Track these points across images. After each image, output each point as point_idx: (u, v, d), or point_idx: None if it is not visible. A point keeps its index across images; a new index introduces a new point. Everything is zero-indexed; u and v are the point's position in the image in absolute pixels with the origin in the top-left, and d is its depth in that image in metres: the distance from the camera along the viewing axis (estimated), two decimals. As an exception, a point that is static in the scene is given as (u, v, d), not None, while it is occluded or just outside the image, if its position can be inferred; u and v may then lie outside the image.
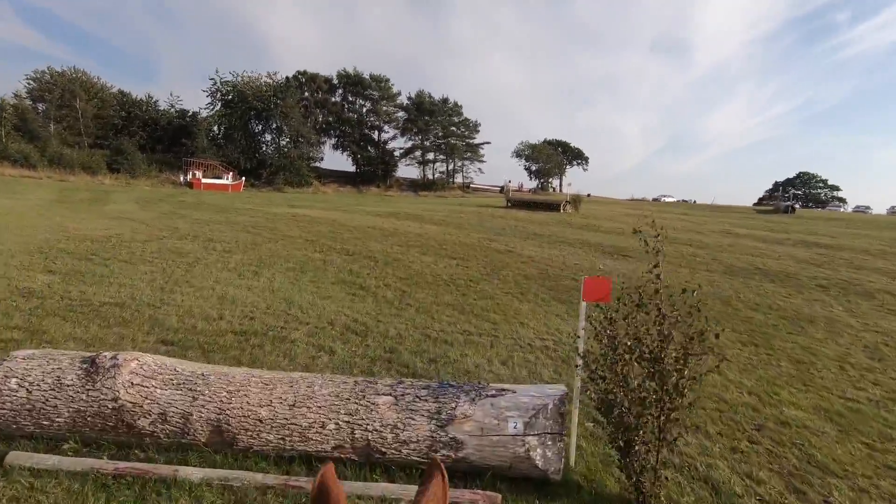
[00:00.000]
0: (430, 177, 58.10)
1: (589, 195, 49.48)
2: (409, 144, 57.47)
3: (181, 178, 37.53)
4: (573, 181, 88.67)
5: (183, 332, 5.22)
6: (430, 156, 58.48)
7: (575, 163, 78.56)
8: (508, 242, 14.94)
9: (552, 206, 29.30)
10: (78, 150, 37.36)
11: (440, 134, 57.23)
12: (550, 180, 71.19)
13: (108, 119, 43.32)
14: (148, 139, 44.30)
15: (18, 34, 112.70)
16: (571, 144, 77.45)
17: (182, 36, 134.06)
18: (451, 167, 60.00)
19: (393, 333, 5.86)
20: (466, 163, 60.48)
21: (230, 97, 46.40)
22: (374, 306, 7.09)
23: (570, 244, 15.59)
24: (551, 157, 68.61)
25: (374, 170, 53.30)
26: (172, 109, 47.23)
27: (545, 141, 73.07)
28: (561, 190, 74.16)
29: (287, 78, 50.73)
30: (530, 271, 10.74)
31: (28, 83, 43.86)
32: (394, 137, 57.44)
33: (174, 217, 16.17)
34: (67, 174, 32.46)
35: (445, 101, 56.74)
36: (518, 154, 68.84)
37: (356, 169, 55.27)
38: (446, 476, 0.75)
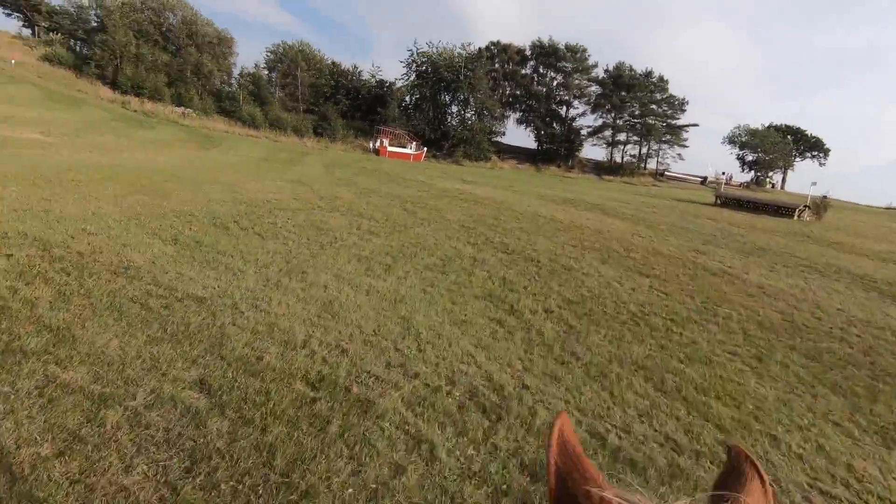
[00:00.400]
0: (619, 160, 52.31)
1: (825, 197, 38.65)
2: (599, 122, 52.35)
3: (370, 145, 39.64)
4: (800, 177, 72.44)
5: (235, 369, 3.63)
6: (622, 136, 52.47)
7: (808, 155, 63.40)
8: (724, 259, 11.02)
9: (782, 211, 22.81)
10: (293, 115, 42.07)
11: (637, 112, 50.77)
12: (771, 174, 58.66)
13: (320, 87, 47.94)
14: (349, 107, 47.89)
15: (276, 17, 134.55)
16: (807, 132, 62.45)
17: (396, 13, 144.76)
18: (644, 150, 53.16)
19: (540, 423, 3.50)
20: (664, 147, 52.82)
21: (424, 68, 47.41)
22: (523, 351, 4.77)
23: (819, 271, 10.94)
24: (777, 145, 56.10)
25: (556, 148, 49.90)
26: (373, 79, 50.27)
27: (770, 126, 60.11)
28: (783, 187, 60.81)
29: (479, 49, 49.88)
30: (767, 314, 7.16)
31: (267, 55, 51.01)
32: (583, 114, 52.94)
33: (344, 184, 15.96)
34: (280, 135, 36.62)
35: (648, 74, 49.82)
36: (732, 140, 57.93)
37: (538, 146, 52.54)
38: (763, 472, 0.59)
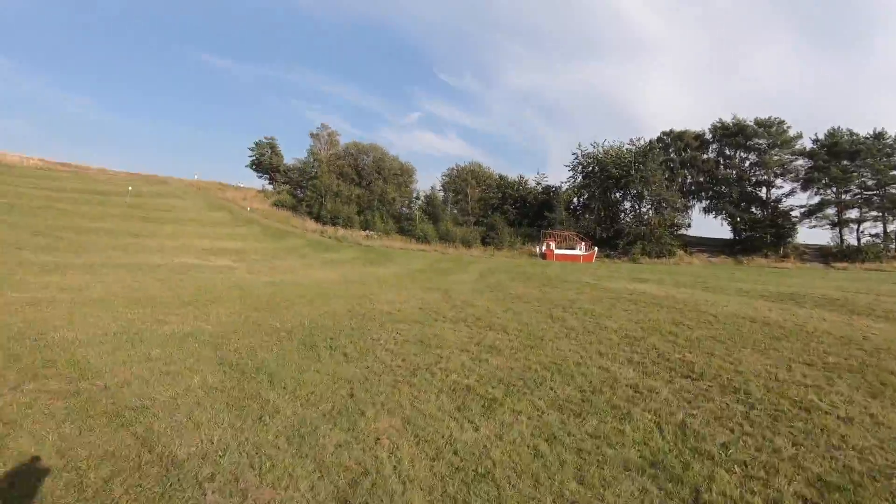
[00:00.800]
0: (853, 242, 41.48)
1: None
2: (816, 200, 43.14)
3: (537, 250, 38.53)
4: None
5: None
6: (853, 213, 42.07)
7: None
8: None
9: None
10: (463, 228, 43.98)
11: (870, 183, 40.69)
12: None
13: (488, 200, 50.03)
14: (517, 215, 48.49)
15: (459, 147, 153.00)
16: None
17: (565, 126, 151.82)
18: (888, 228, 41.40)
19: None
20: (922, 220, 40.44)
21: (590, 168, 46.29)
22: None
23: None
24: None
25: (759, 235, 42.01)
26: (538, 186, 50.76)
27: None
28: None
29: (650, 141, 47.16)
30: None
31: (443, 178, 56.16)
32: (790, 193, 44.54)
33: (490, 290, 14.52)
34: (449, 247, 38.05)
35: (879, 136, 40.29)
36: None
37: (734, 235, 45.16)
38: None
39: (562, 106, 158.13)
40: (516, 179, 52.34)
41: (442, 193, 55.33)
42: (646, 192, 43.64)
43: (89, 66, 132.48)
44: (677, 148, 48.18)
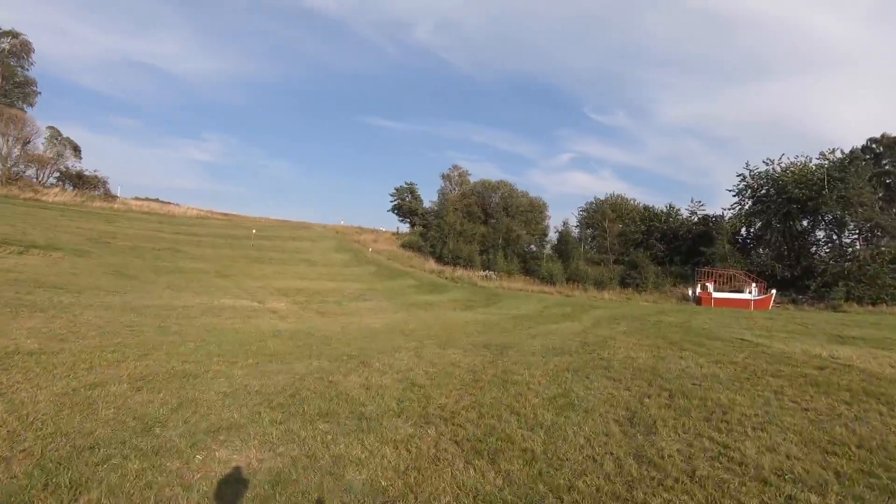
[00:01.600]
0: None
1: None
2: None
3: (689, 292, 31.14)
4: None
5: None
6: None
7: None
8: None
9: None
10: (594, 267, 38.31)
11: None
12: None
13: (629, 235, 43.48)
14: (665, 251, 41.03)
15: (612, 185, 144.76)
16: None
17: (731, 152, 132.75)
18: None
19: None
20: None
21: (762, 191, 37.22)
22: None
23: None
24: None
25: None
26: (693, 217, 42.60)
27: None
28: None
29: (850, 151, 36.36)
30: None
31: (580, 213, 51.16)
32: None
33: (577, 353, 10.07)
34: (576, 289, 32.86)
35: None
36: None
37: None
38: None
39: (726, 132, 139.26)
40: (664, 210, 44.85)
41: (577, 230, 50.15)
42: (848, 217, 33.18)
43: (286, 136, 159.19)
44: (894, 159, 36.41)
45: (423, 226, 57.41)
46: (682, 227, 42.31)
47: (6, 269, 12.41)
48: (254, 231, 32.35)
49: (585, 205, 51.02)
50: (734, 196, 39.58)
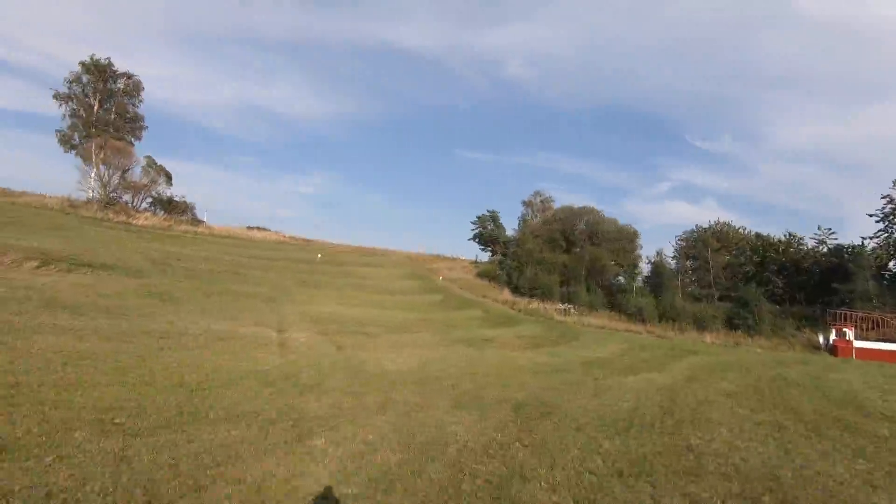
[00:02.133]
0: None
1: None
2: None
3: (820, 340, 25.15)
4: None
5: None
6: None
7: None
8: None
9: None
10: (694, 303, 33.02)
11: None
12: None
13: (739, 268, 37.46)
14: (785, 287, 34.57)
15: (716, 214, 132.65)
16: None
17: (861, 178, 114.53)
18: None
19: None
20: None
21: (918, 215, 30.08)
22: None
23: None
24: None
25: None
26: (822, 247, 35.64)
27: None
28: None
29: None
30: None
31: (678, 243, 45.68)
32: None
33: (657, 431, 6.94)
34: (670, 329, 28.13)
35: None
36: None
37: None
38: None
39: (857, 155, 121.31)
40: (783, 239, 38.22)
41: (674, 261, 44.61)
42: None
43: (381, 169, 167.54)
44: None
45: (503, 254, 54.88)
46: (806, 259, 35.54)
47: (27, 286, 11.98)
48: (319, 255, 31.93)
49: (684, 233, 45.43)
50: (878, 221, 32.53)
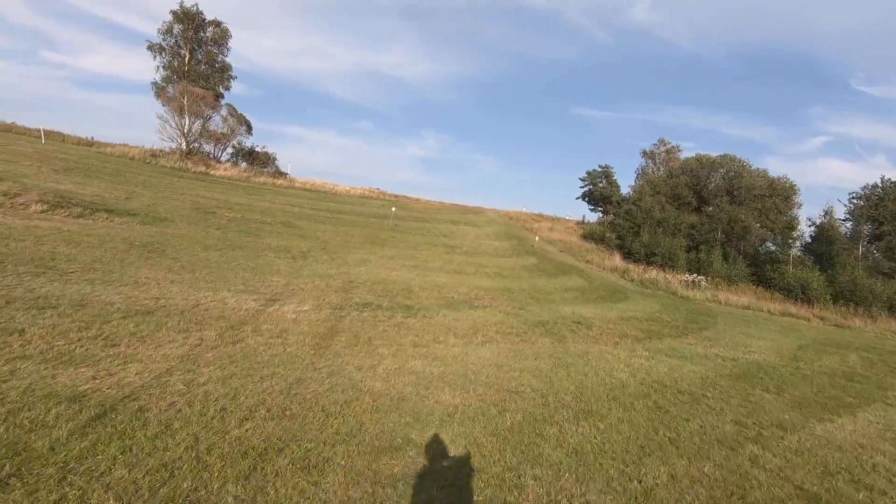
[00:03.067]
0: None
1: None
2: None
3: None
4: None
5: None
6: None
7: None
8: None
9: None
10: (887, 281, 24.07)
11: None
12: None
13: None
14: None
15: (887, 174, 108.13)
16: None
17: None
18: None
19: None
20: None
21: None
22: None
23: None
24: None
25: None
26: None
27: None
28: None
29: None
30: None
31: (849, 202, 35.19)
32: None
33: None
34: (850, 314, 20.25)
35: None
36: None
37: None
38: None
39: None
40: None
41: (849, 224, 34.42)
42: None
43: (493, 130, 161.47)
44: None
45: (615, 214, 47.63)
46: None
47: (5, 235, 9.57)
48: (393, 209, 28.40)
49: (862, 190, 34.63)
50: None
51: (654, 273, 27.40)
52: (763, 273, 28.18)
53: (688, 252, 30.79)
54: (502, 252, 27.19)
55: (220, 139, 32.38)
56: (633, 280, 26.55)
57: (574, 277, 23.53)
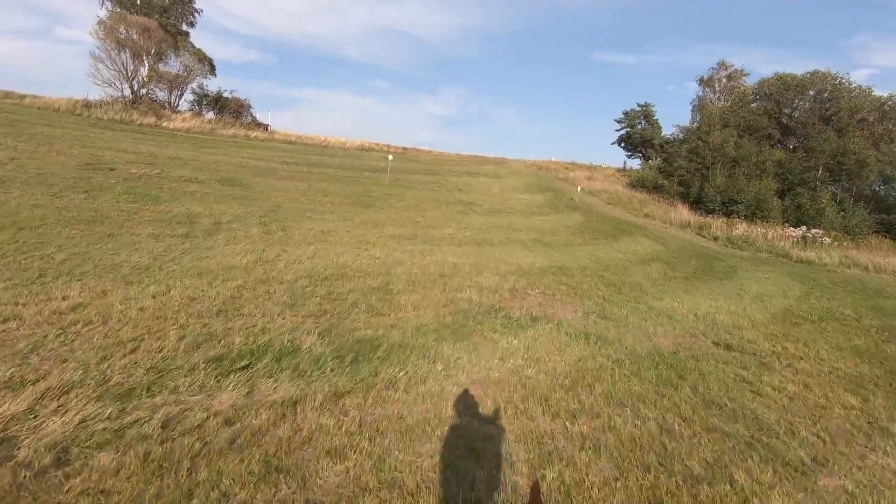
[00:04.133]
0: None
1: None
2: None
3: None
4: None
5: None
6: None
7: None
8: None
9: None
10: None
11: None
12: None
13: None
14: None
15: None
16: None
17: None
18: None
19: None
20: None
21: None
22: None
23: None
24: None
25: None
26: None
27: None
28: None
29: None
30: None
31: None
32: None
33: None
34: None
35: None
36: None
37: None
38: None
39: None
40: None
41: None
42: None
43: (514, 83, 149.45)
44: None
45: (663, 158, 40.11)
46: None
47: None
48: (390, 157, 21.78)
49: None
50: None
51: (742, 227, 20.38)
52: (890, 221, 20.89)
53: (782, 197, 23.51)
54: (536, 208, 20.50)
55: (175, 81, 25.87)
56: (716, 238, 19.64)
57: (640, 239, 16.87)
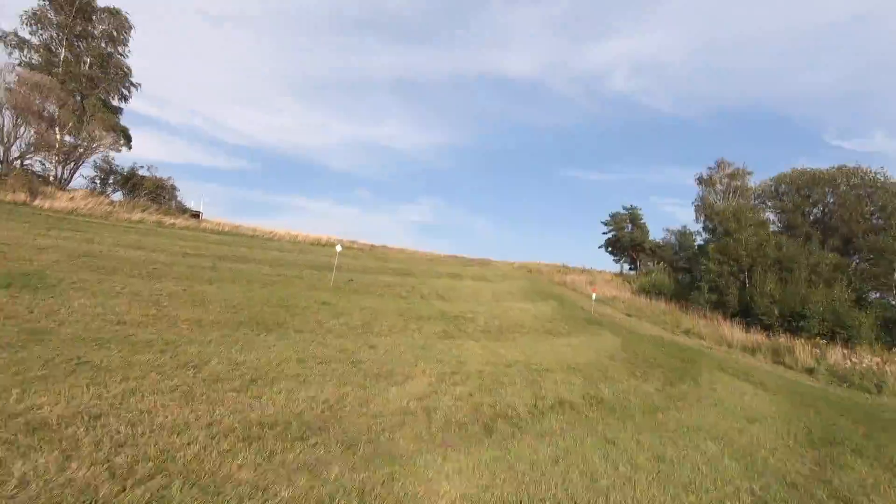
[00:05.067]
0: None
1: None
2: None
3: None
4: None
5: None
6: None
7: None
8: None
9: None
10: None
11: None
12: None
13: None
14: None
15: None
16: None
17: None
18: None
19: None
20: None
21: None
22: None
23: None
24: None
25: None
26: None
27: None
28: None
29: None
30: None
31: None
32: None
33: None
34: None
35: None
36: None
37: None
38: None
39: None
40: None
41: None
42: None
43: (487, 194, 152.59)
44: None
45: (669, 263, 35.57)
46: None
47: None
48: (338, 248, 15.63)
49: None
50: None
51: (837, 352, 14.35)
52: None
53: (859, 309, 17.92)
54: (549, 324, 14.18)
55: (71, 153, 19.76)
56: (811, 370, 13.48)
57: (724, 378, 10.56)
